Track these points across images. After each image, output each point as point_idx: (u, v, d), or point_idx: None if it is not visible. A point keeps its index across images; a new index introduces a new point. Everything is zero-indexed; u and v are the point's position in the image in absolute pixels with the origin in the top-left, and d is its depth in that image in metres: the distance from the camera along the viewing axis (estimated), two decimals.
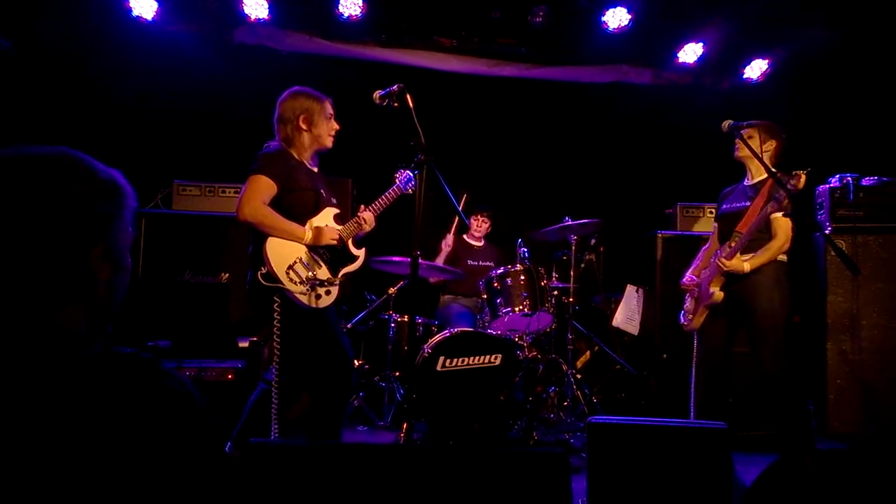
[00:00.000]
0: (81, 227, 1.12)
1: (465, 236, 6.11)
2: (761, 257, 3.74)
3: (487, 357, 4.42)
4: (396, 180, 3.62)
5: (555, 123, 6.75)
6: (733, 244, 3.76)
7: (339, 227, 3.45)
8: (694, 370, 4.01)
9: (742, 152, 3.94)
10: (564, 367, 4.99)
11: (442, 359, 4.36)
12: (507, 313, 4.68)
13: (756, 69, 6.18)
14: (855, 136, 5.74)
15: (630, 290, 5.72)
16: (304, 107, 3.40)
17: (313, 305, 3.28)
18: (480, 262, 5.88)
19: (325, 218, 3.43)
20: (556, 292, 5.04)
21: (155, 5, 5.38)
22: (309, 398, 3.54)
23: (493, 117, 6.63)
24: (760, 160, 3.70)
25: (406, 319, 5.10)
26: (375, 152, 5.49)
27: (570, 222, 5.01)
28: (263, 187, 3.21)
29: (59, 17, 5.25)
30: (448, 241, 5.79)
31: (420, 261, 3.30)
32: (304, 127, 3.40)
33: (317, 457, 1.70)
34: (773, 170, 3.68)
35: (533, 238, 5.21)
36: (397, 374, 5.12)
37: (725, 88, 6.41)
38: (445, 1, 5.78)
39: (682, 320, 4.13)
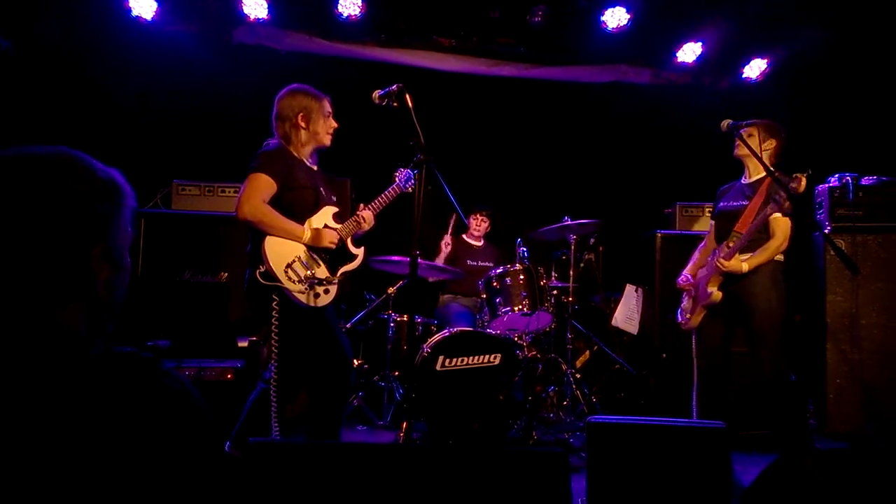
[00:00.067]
0: (81, 226, 1.12)
1: (464, 236, 6.11)
2: (759, 257, 3.74)
3: (487, 357, 4.42)
4: (396, 179, 3.62)
5: (554, 123, 6.75)
6: (731, 244, 3.75)
7: (338, 226, 3.45)
8: (695, 369, 4.01)
9: (741, 150, 3.93)
10: (564, 367, 4.99)
11: (441, 358, 4.36)
12: (506, 313, 4.68)
13: (755, 69, 6.18)
14: (854, 135, 5.74)
15: (629, 289, 5.72)
16: (303, 105, 3.40)
17: (312, 304, 3.28)
18: (480, 262, 5.89)
19: (325, 216, 3.43)
20: (555, 292, 5.04)
21: (154, 5, 5.38)
22: (308, 397, 3.54)
23: (492, 117, 6.63)
24: (759, 159, 3.70)
25: (405, 319, 5.10)
26: (374, 152, 5.49)
27: (569, 222, 5.01)
28: (263, 185, 3.21)
29: (58, 17, 5.25)
30: (447, 241, 5.79)
31: (419, 260, 3.30)
32: (302, 125, 3.40)
33: (316, 456, 1.69)
34: (772, 169, 3.68)
35: (532, 238, 5.21)
36: (396, 373, 5.12)
37: (725, 88, 6.41)
38: (444, 1, 5.78)
39: (680, 319, 4.14)
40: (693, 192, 5.76)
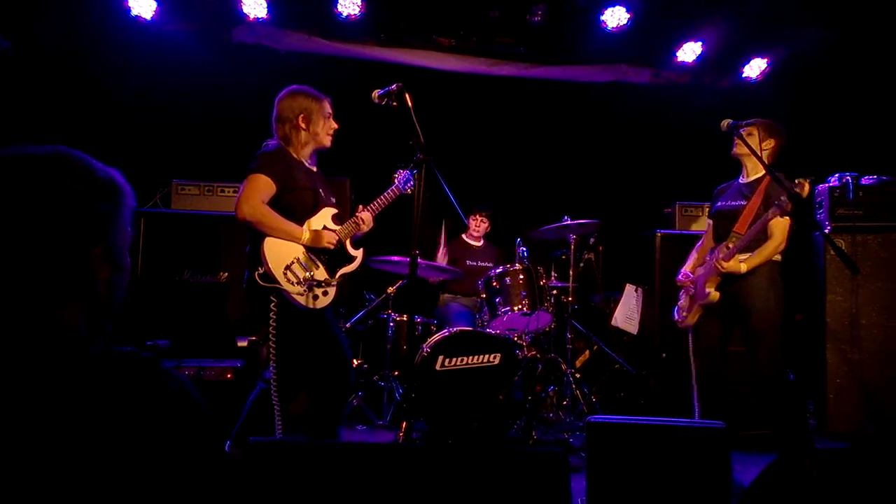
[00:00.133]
0: (81, 226, 1.12)
1: (463, 236, 6.12)
2: (757, 258, 3.74)
3: (486, 356, 4.42)
4: (395, 180, 3.62)
5: (553, 123, 6.76)
6: (731, 245, 3.75)
7: (337, 228, 3.45)
8: (693, 368, 4.01)
9: (739, 149, 3.93)
10: (563, 367, 4.99)
11: (441, 358, 4.36)
12: (506, 312, 4.68)
13: (755, 68, 6.17)
14: (854, 135, 5.74)
15: (629, 289, 5.72)
16: (303, 106, 3.39)
17: (310, 306, 3.28)
18: (479, 262, 5.89)
19: (324, 218, 3.42)
20: (555, 291, 5.04)
21: (154, 5, 5.37)
22: (308, 397, 3.54)
23: (491, 117, 6.63)
24: (759, 158, 3.70)
25: (405, 319, 5.09)
26: (374, 152, 5.49)
27: (568, 222, 5.01)
28: (262, 186, 3.20)
29: (58, 17, 5.25)
30: (442, 253, 5.83)
31: (419, 260, 3.30)
32: (302, 126, 3.39)
33: (316, 456, 1.69)
34: (771, 168, 3.68)
35: (532, 237, 5.21)
36: (396, 373, 5.12)
37: (724, 87, 6.41)
38: (444, 0, 5.78)
39: (676, 317, 4.14)
40: (693, 191, 5.76)
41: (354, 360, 4.96)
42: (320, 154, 3.56)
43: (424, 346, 4.44)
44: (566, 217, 5.03)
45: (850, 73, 5.83)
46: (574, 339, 5.18)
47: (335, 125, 3.52)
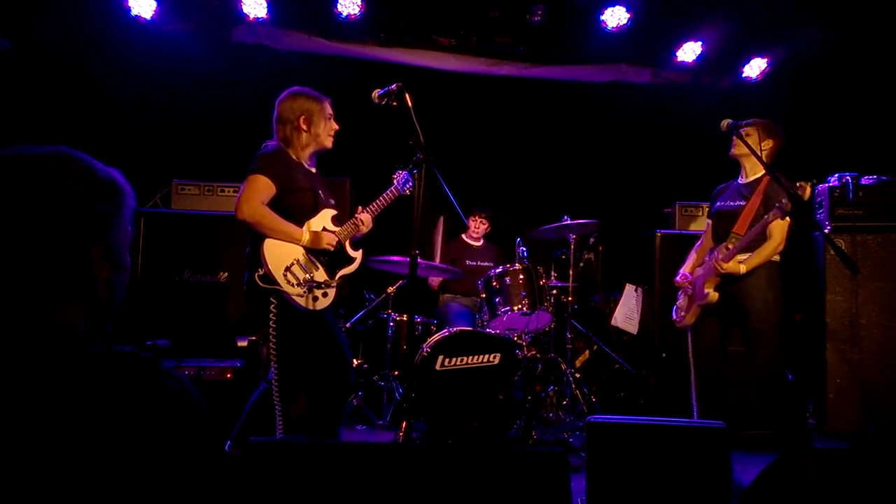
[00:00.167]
0: (81, 226, 1.12)
1: (463, 236, 6.13)
2: (756, 259, 3.75)
3: (486, 356, 4.42)
4: (394, 181, 3.62)
5: (553, 123, 6.76)
6: (731, 246, 3.75)
7: (337, 229, 3.44)
8: (692, 369, 4.01)
9: (738, 150, 3.94)
10: (563, 367, 4.99)
11: (441, 358, 4.36)
12: (505, 312, 4.68)
13: (755, 68, 6.17)
14: (854, 134, 5.74)
15: (629, 289, 5.72)
16: (304, 107, 3.39)
17: (310, 307, 3.28)
18: (479, 262, 5.89)
19: (323, 219, 3.42)
20: (554, 291, 5.04)
21: (154, 4, 5.37)
22: (308, 398, 3.54)
23: (491, 116, 6.63)
24: (759, 158, 3.70)
25: (405, 318, 5.10)
26: (374, 151, 5.49)
27: (568, 221, 5.01)
28: (262, 187, 3.20)
29: (58, 17, 5.25)
30: (440, 254, 5.85)
31: (419, 260, 3.30)
32: (304, 127, 3.39)
33: (316, 456, 1.69)
34: (771, 169, 3.68)
35: (532, 237, 5.21)
36: (396, 373, 5.12)
37: (724, 87, 6.41)
38: (444, 0, 5.78)
39: (675, 316, 4.15)
40: (693, 191, 5.76)
41: (354, 360, 4.96)
42: (320, 154, 3.56)
43: (424, 345, 4.44)
44: (566, 217, 5.03)
45: (849, 73, 5.83)
46: (574, 338, 5.18)
47: (336, 126, 3.52)
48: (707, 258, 3.96)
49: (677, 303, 4.15)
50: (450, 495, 1.67)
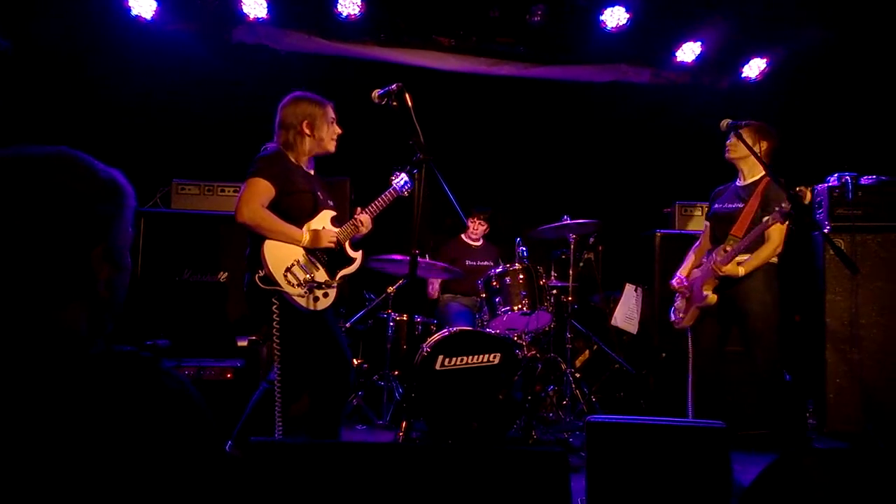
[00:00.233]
0: (82, 227, 1.12)
1: (462, 236, 6.13)
2: (754, 261, 3.75)
3: (486, 356, 4.42)
4: (392, 183, 3.62)
5: (553, 122, 6.76)
6: (729, 248, 3.76)
7: (337, 230, 3.45)
8: (690, 369, 4.02)
9: (733, 153, 3.95)
10: (563, 366, 4.99)
11: (441, 358, 4.36)
12: (505, 312, 4.68)
13: (755, 68, 6.17)
14: (854, 134, 5.74)
15: (629, 288, 5.72)
16: (307, 112, 3.39)
17: (311, 308, 3.28)
18: (479, 262, 5.89)
19: (323, 220, 3.42)
20: (554, 291, 5.04)
21: (154, 4, 5.37)
22: (308, 398, 3.54)
23: (491, 116, 6.63)
24: (759, 158, 3.70)
25: (405, 318, 5.10)
26: (374, 151, 5.48)
27: (568, 221, 5.01)
28: (262, 190, 3.20)
29: (58, 17, 5.24)
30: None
31: (419, 259, 3.31)
32: (307, 132, 3.39)
33: (316, 456, 1.70)
34: (771, 169, 3.68)
35: (531, 237, 5.21)
36: (396, 373, 5.13)
37: (724, 87, 6.41)
38: (444, 0, 5.78)
39: (673, 318, 4.15)
40: (692, 191, 5.77)
41: (354, 360, 4.96)
42: (320, 155, 3.55)
43: (424, 345, 4.44)
44: (566, 217, 5.04)
45: (849, 73, 5.83)
46: (574, 338, 5.18)
47: (339, 130, 3.52)
48: (705, 260, 3.96)
49: (675, 304, 4.15)
50: (450, 495, 1.67)
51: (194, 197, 5.14)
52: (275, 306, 3.20)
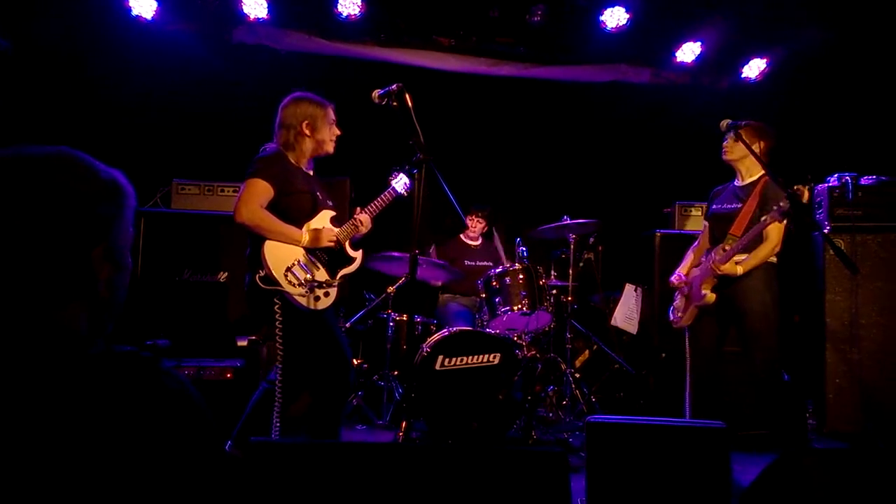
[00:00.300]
0: (82, 227, 1.12)
1: (461, 236, 6.13)
2: (753, 260, 3.76)
3: (486, 356, 4.42)
4: (391, 183, 3.63)
5: (553, 122, 6.76)
6: (727, 248, 3.76)
7: (337, 230, 3.45)
8: (688, 370, 4.02)
9: (730, 155, 3.96)
10: (563, 366, 4.99)
11: (441, 358, 4.36)
12: (505, 312, 4.68)
13: (755, 68, 6.17)
14: (854, 135, 5.74)
15: (629, 288, 5.72)
16: (308, 113, 3.39)
17: (312, 307, 3.28)
18: (478, 262, 5.89)
19: (322, 220, 3.43)
20: (554, 291, 5.04)
21: (154, 5, 5.37)
22: (308, 398, 3.55)
23: (491, 116, 6.63)
24: (758, 158, 3.71)
25: (405, 318, 5.10)
26: (374, 151, 5.48)
27: (568, 221, 5.01)
28: (261, 190, 3.20)
29: (58, 17, 5.25)
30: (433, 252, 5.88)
31: (419, 258, 3.31)
32: (307, 133, 3.39)
33: (316, 456, 1.70)
34: (769, 168, 3.68)
35: (531, 237, 5.21)
36: (396, 373, 5.12)
37: (724, 88, 6.41)
38: (444, 0, 5.78)
39: (672, 317, 4.16)
40: (692, 191, 5.76)
41: (354, 360, 4.96)
42: (320, 156, 3.56)
43: (424, 345, 4.44)
44: (566, 217, 5.04)
45: (849, 73, 5.83)
46: (574, 338, 5.19)
47: (338, 131, 3.52)
48: (704, 259, 3.97)
49: (674, 303, 4.16)
50: (450, 495, 1.67)
51: (194, 197, 5.14)
52: (277, 306, 3.20)
